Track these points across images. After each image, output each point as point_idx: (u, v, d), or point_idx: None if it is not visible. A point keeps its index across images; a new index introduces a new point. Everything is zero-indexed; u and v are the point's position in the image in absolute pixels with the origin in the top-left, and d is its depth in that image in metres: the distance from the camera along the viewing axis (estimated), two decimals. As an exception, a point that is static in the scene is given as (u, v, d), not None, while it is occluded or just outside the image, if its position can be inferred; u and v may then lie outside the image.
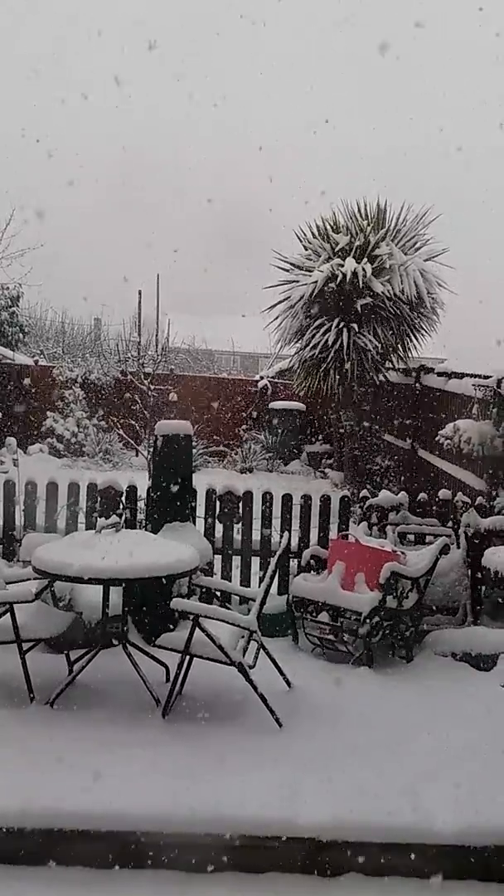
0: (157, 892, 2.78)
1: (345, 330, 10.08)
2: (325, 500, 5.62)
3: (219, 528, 5.51)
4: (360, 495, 5.89)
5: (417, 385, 10.25)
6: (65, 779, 3.10)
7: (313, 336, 10.27)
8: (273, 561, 4.06)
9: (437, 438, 7.05)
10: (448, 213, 10.71)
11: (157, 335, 21.83)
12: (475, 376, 7.83)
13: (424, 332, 10.81)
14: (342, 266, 10.03)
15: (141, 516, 5.39)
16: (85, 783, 3.07)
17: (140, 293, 19.77)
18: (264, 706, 3.72)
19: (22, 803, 2.95)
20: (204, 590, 4.80)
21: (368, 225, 10.52)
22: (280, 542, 4.35)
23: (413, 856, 2.90)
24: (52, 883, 2.80)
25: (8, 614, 3.81)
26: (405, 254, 10.41)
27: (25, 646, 3.88)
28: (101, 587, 4.01)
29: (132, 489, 5.44)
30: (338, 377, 10.35)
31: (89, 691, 3.92)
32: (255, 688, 3.73)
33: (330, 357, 10.19)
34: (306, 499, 5.59)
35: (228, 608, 4.44)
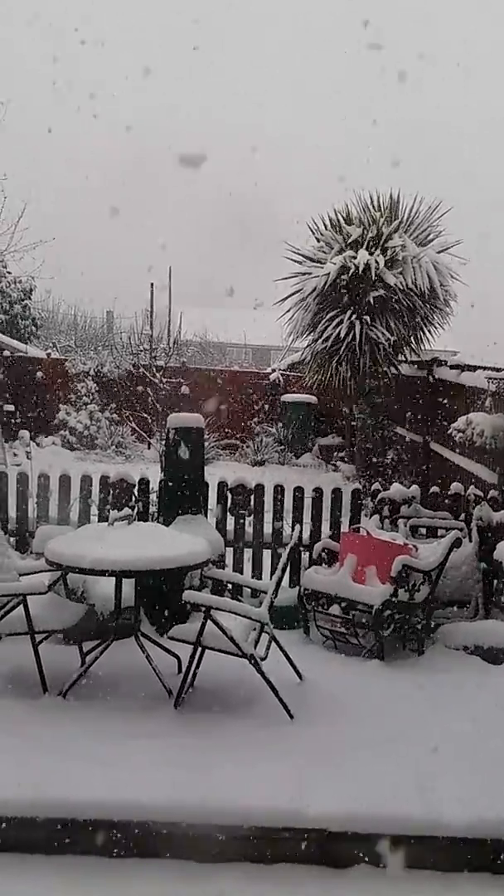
0: (168, 882, 2.80)
1: (357, 322, 10.04)
2: (337, 493, 5.61)
3: (230, 520, 5.52)
4: (372, 488, 5.89)
5: (430, 378, 10.21)
6: (76, 769, 3.13)
7: (325, 328, 10.24)
8: (284, 553, 4.07)
9: (449, 431, 7.02)
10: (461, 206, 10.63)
11: (168, 328, 21.86)
12: (489, 369, 7.79)
13: (437, 325, 10.76)
14: (355, 258, 9.98)
15: (153, 509, 5.41)
16: (96, 773, 3.10)
17: (152, 286, 19.79)
18: (275, 698, 3.73)
19: (34, 793, 2.98)
20: (216, 582, 4.82)
21: (381, 216, 10.46)
22: (291, 535, 4.36)
23: (423, 848, 2.91)
24: (63, 872, 2.83)
25: (21, 606, 3.84)
26: (418, 245, 10.34)
27: (38, 637, 3.91)
28: (113, 579, 4.04)
29: (144, 482, 5.45)
30: (350, 370, 10.32)
31: (102, 682, 3.95)
32: (266, 679, 3.74)
33: (342, 350, 10.16)
34: (318, 492, 5.59)
35: (240, 600, 4.47)
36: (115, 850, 2.90)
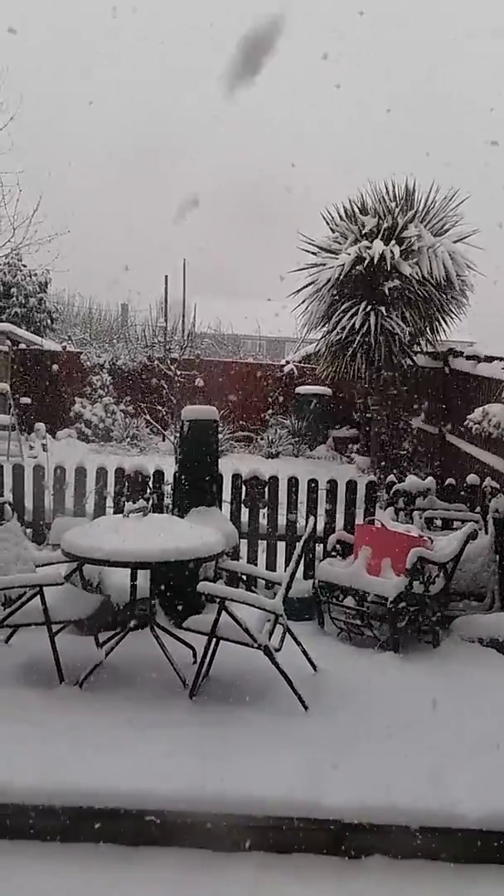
0: (184, 871, 2.82)
1: (372, 313, 9.98)
2: (352, 485, 5.60)
3: (245, 512, 5.53)
4: (387, 480, 5.87)
5: (446, 369, 10.14)
6: (94, 758, 3.16)
7: (340, 320, 10.19)
8: (299, 545, 4.07)
9: (465, 423, 6.97)
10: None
11: (183, 320, 21.86)
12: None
13: (453, 315, 10.67)
14: (370, 248, 9.91)
15: (168, 501, 5.43)
16: (113, 762, 3.13)
17: (166, 278, 19.78)
18: (290, 689, 3.74)
19: (52, 782, 3.01)
20: (230, 574, 4.84)
21: (396, 206, 10.37)
22: (306, 527, 4.36)
23: (438, 840, 2.91)
24: (81, 860, 2.86)
25: (38, 597, 3.87)
26: (434, 235, 10.25)
27: (55, 628, 3.94)
28: (128, 570, 4.06)
29: (159, 474, 5.47)
30: (365, 361, 10.27)
31: (118, 673, 3.98)
32: (280, 670, 3.75)
33: (357, 341, 10.10)
34: (332, 484, 5.58)
35: (254, 592, 4.47)
36: (131, 839, 2.93)
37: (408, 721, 3.64)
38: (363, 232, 10.27)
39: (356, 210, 10.60)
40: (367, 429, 12.34)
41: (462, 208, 10.52)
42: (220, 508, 5.31)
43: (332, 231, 10.90)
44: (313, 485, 5.57)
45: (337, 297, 10.35)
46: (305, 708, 3.71)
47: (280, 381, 14.90)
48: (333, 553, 5.08)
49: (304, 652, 4.11)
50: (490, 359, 8.41)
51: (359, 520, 5.46)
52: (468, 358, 9.23)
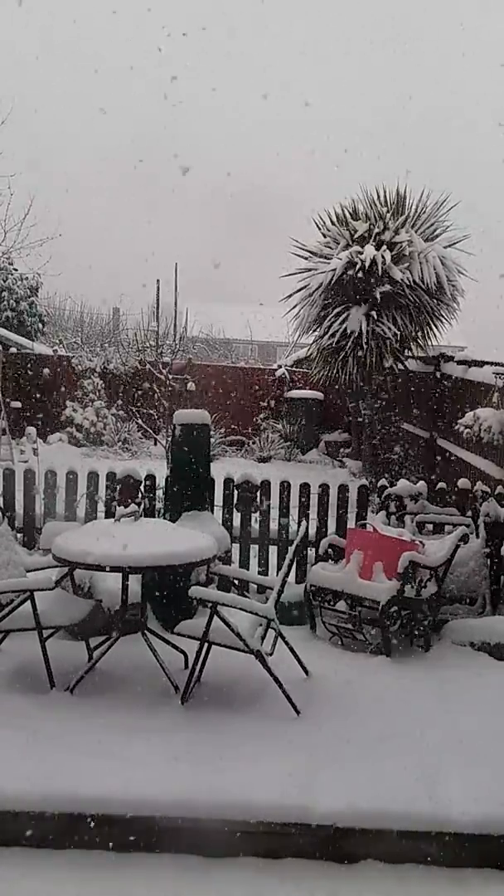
0: (177, 877, 2.81)
1: (363, 318, 10.02)
2: (343, 490, 5.60)
3: (236, 516, 5.52)
4: (379, 484, 5.87)
5: (437, 373, 10.18)
6: (85, 764, 3.14)
7: (332, 324, 10.22)
8: (291, 550, 4.06)
9: (456, 427, 7.00)
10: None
11: (175, 324, 21.86)
12: (496, 364, 7.76)
13: (444, 320, 10.72)
14: (361, 253, 9.95)
15: (159, 505, 5.42)
16: (105, 768, 3.11)
17: (158, 282, 19.79)
18: (282, 694, 3.73)
19: (43, 788, 2.99)
20: (222, 578, 4.83)
21: (388, 211, 10.42)
22: (298, 531, 4.36)
23: (431, 844, 2.91)
24: (73, 867, 2.84)
25: (28, 602, 3.85)
26: (425, 240, 10.30)
27: (46, 633, 3.92)
28: (119, 575, 4.04)
29: (151, 478, 5.46)
30: (356, 366, 10.30)
31: (109, 678, 3.96)
32: (272, 675, 3.74)
33: (348, 345, 10.13)
34: (324, 488, 5.58)
35: (246, 596, 4.47)
36: (124, 845, 2.91)
37: (400, 725, 3.64)
38: (354, 237, 10.32)
39: (347, 215, 10.65)
40: (359, 433, 12.37)
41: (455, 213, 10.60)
42: (212, 512, 5.31)
43: (324, 236, 10.94)
44: (305, 489, 5.57)
45: (329, 302, 10.39)
46: (297, 713, 3.70)
47: (272, 386, 14.92)
48: (325, 557, 5.08)
49: (296, 656, 4.10)
50: (481, 363, 8.45)
51: (350, 524, 5.46)
52: (459, 362, 9.28)
